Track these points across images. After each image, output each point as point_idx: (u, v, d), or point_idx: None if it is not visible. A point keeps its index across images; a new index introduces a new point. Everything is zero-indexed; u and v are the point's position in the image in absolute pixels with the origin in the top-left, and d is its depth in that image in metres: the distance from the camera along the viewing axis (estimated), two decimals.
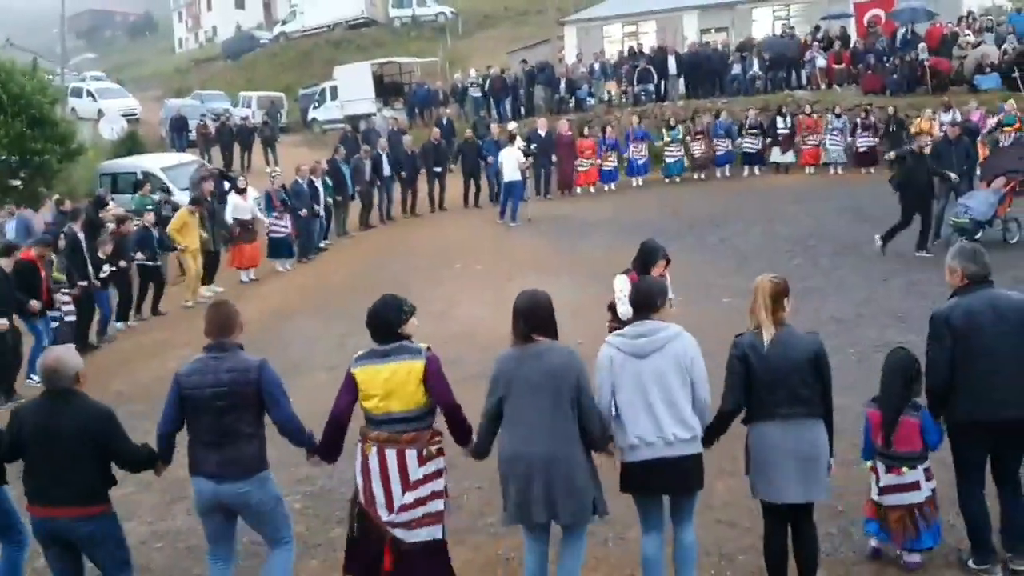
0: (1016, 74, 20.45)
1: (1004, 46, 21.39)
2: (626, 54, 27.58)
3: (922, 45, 22.34)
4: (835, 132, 20.18)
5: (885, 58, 22.88)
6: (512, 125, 21.10)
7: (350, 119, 28.50)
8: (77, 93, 35.57)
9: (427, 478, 4.63)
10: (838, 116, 20.22)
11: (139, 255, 13.05)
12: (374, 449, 4.61)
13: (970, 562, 5.02)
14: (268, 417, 4.82)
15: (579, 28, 32.67)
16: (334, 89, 32.33)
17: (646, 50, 27.46)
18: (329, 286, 14.06)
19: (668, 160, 20.90)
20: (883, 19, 24.92)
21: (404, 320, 4.70)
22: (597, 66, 26.81)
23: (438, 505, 4.67)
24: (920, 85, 21.80)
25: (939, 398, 4.92)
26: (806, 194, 18.00)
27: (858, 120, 20.05)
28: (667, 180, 20.85)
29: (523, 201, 17.84)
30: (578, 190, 20.60)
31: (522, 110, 26.90)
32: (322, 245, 16.68)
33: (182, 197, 16.58)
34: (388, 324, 4.68)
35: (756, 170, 20.87)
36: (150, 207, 14.68)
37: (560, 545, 4.66)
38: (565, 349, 4.56)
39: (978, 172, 13.98)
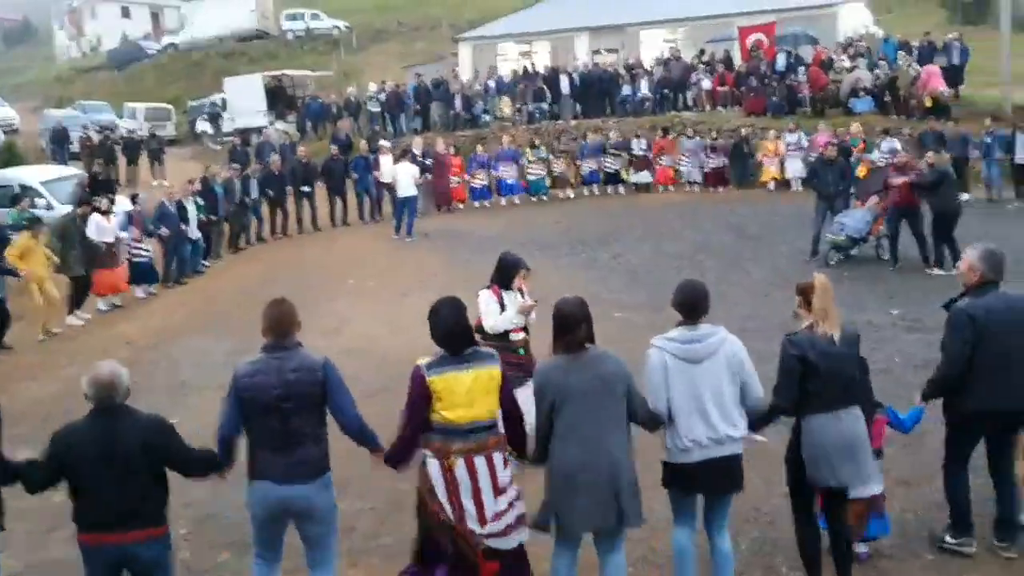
0: (888, 98, 21.58)
1: (876, 71, 22.54)
2: (520, 73, 27.90)
3: (802, 68, 23.35)
4: (688, 153, 21.14)
5: (767, 81, 23.79)
6: (385, 143, 20.97)
7: (241, 132, 27.92)
8: None
9: (512, 480, 4.56)
10: (691, 138, 21.19)
11: None
12: (460, 461, 4.44)
13: (947, 537, 5.37)
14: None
15: (474, 46, 32.93)
16: (224, 101, 31.65)
17: (540, 69, 27.84)
18: (217, 304, 13.67)
19: (530, 178, 21.19)
20: (765, 43, 25.93)
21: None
22: (492, 84, 27.01)
23: (522, 508, 4.58)
24: (800, 107, 22.76)
25: (948, 388, 5.26)
26: (691, 212, 18.55)
27: (708, 142, 21.07)
28: (533, 199, 21.12)
29: (418, 216, 17.84)
30: (460, 206, 20.56)
31: (418, 126, 26.91)
32: (201, 268, 15.89)
33: (63, 212, 15.91)
34: (466, 331, 4.55)
35: (620, 189, 21.54)
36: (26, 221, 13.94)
37: (603, 549, 4.65)
38: (614, 356, 4.59)
39: (853, 191, 14.63)
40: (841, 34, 27.34)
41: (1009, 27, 22.31)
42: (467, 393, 4.41)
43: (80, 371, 4.74)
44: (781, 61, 24.56)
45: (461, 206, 20.68)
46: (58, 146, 27.62)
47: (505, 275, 6.75)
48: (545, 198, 21.17)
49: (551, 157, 21.41)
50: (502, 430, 4.61)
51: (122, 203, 16.16)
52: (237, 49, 44.65)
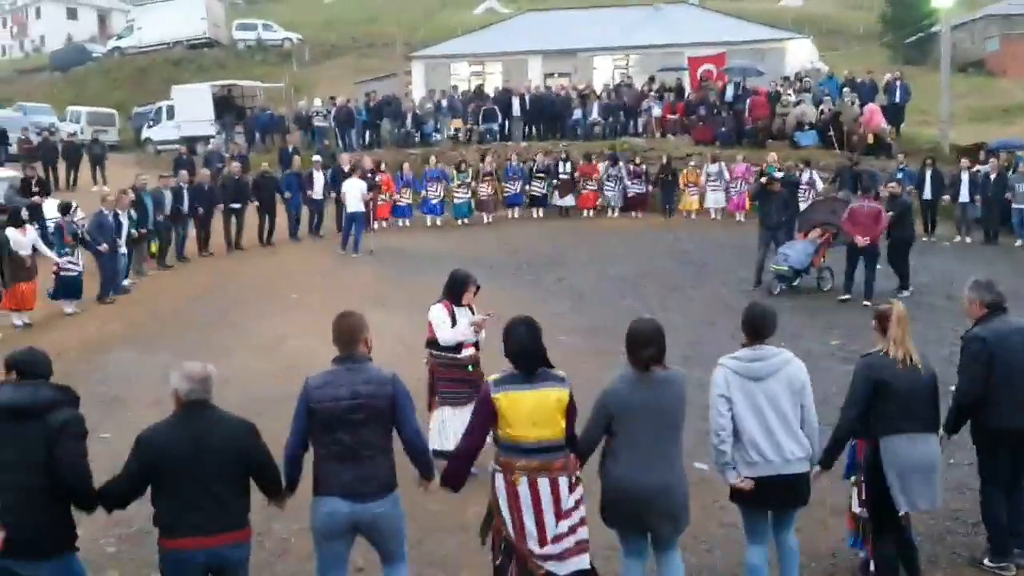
0: (831, 132, 22.09)
1: (821, 106, 23.06)
2: (472, 92, 27.95)
3: (749, 101, 23.80)
4: (612, 179, 21.51)
5: (715, 111, 24.18)
6: (316, 158, 20.80)
7: (187, 140, 27.51)
8: None
9: (577, 504, 4.50)
10: (614, 164, 21.52)
11: None
12: (524, 479, 4.41)
13: (986, 560, 5.53)
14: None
15: (427, 64, 32.97)
16: (171, 109, 31.18)
17: (490, 90, 27.92)
18: (153, 319, 13.28)
19: (456, 201, 21.14)
20: (715, 74, 26.39)
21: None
22: (444, 103, 27.03)
23: (585, 533, 4.52)
24: (747, 138, 23.18)
25: (968, 411, 5.52)
26: (635, 237, 18.76)
27: (631, 167, 21.47)
28: (459, 222, 21.03)
29: (365, 233, 17.72)
30: (384, 224, 20.22)
31: (366, 141, 26.80)
32: (125, 283, 14.85)
33: None
34: (539, 351, 4.50)
35: (541, 212, 21.76)
36: None
37: (659, 549, 4.73)
38: (681, 378, 4.65)
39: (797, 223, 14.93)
40: (788, 69, 27.97)
41: (948, 68, 23.02)
42: (530, 413, 4.40)
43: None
44: (730, 92, 25.01)
45: (385, 224, 20.29)
46: None
47: (456, 290, 6.83)
48: (466, 222, 21.08)
49: (474, 182, 21.29)
50: (570, 451, 4.58)
51: (50, 209, 15.63)
52: (186, 56, 44.08)
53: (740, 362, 4.83)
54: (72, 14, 61.40)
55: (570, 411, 4.52)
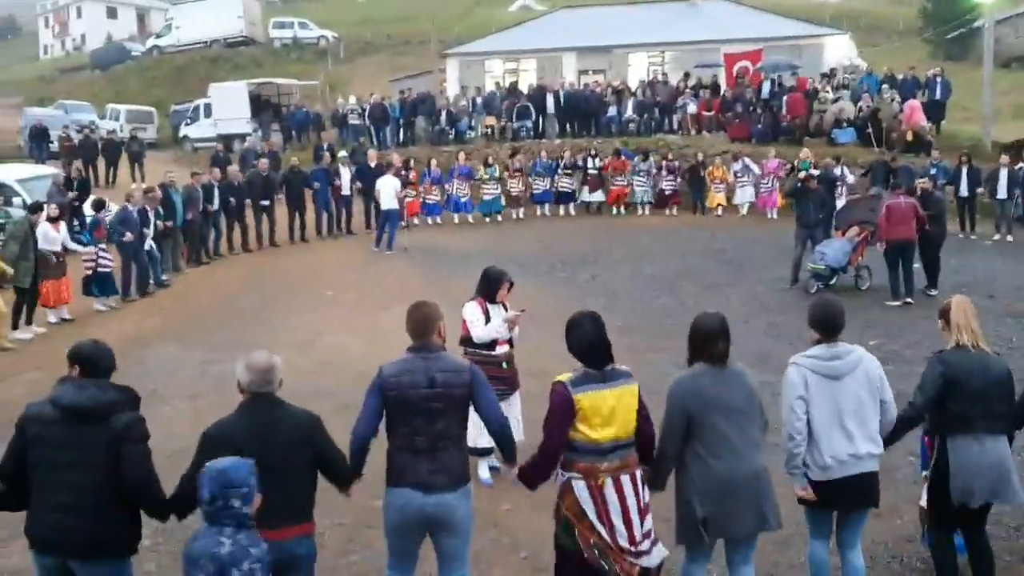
0: (870, 130, 21.80)
1: (860, 103, 22.75)
2: (506, 90, 27.93)
3: (786, 98, 23.56)
4: (642, 174, 21.34)
5: (752, 108, 23.96)
6: (342, 153, 20.89)
7: (223, 138, 27.77)
8: None
9: (650, 497, 4.50)
10: (645, 159, 21.35)
11: None
12: (609, 480, 4.31)
13: None
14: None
15: (461, 61, 32.97)
16: (208, 107, 31.49)
17: (524, 87, 27.88)
18: (191, 314, 13.46)
19: (485, 198, 21.10)
20: (751, 71, 26.15)
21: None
22: (479, 100, 27.03)
23: (651, 522, 4.48)
24: (784, 135, 22.95)
25: None
26: (671, 235, 18.62)
27: (664, 164, 21.26)
28: (487, 219, 21.04)
29: (399, 229, 17.78)
30: (414, 220, 20.10)
31: (400, 139, 26.89)
32: (164, 282, 15.12)
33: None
34: (607, 346, 4.42)
35: (571, 209, 21.66)
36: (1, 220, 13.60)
37: (735, 559, 4.67)
38: (750, 372, 4.63)
39: (834, 221, 14.76)
40: (826, 65, 27.63)
41: (991, 64, 22.62)
42: (611, 412, 4.31)
43: (47, 376, 4.59)
44: (766, 89, 24.77)
45: (415, 221, 20.23)
46: (37, 144, 27.44)
47: (490, 287, 6.81)
48: (499, 218, 21.08)
49: (506, 176, 21.32)
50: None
51: (88, 207, 15.79)
52: (223, 55, 44.50)
53: (819, 361, 4.71)
54: (112, 13, 62.30)
55: (642, 405, 4.46)
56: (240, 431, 4.05)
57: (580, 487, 4.32)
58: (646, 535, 4.37)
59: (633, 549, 4.32)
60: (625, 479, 4.35)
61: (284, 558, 4.02)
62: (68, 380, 4.23)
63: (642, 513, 4.37)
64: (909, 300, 12.50)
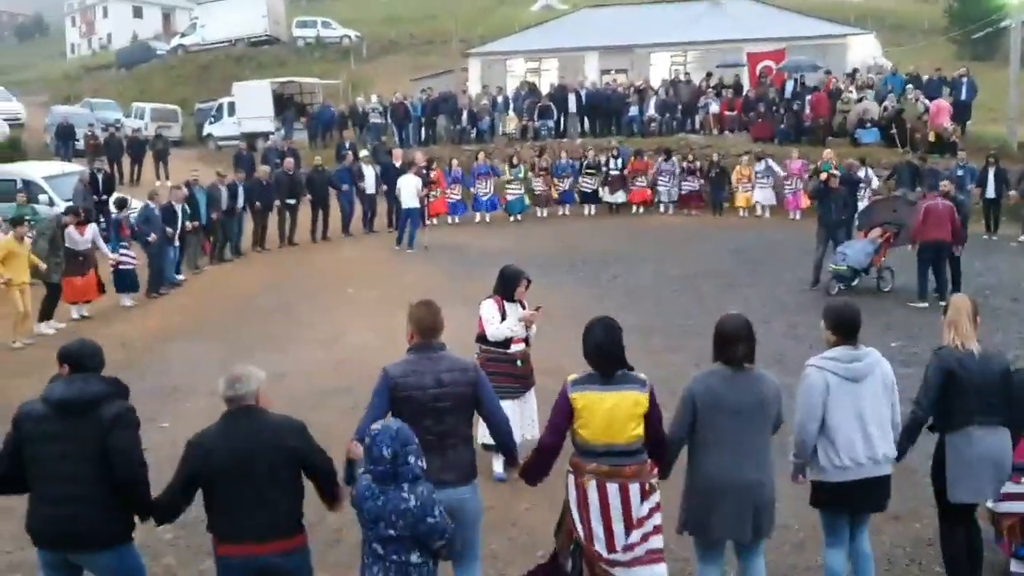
0: (894, 130, 21.62)
1: (884, 103, 22.56)
2: (528, 89, 27.93)
3: (809, 98, 23.40)
4: (664, 175, 21.27)
5: (775, 108, 23.83)
6: (363, 152, 20.94)
7: (247, 136, 27.95)
8: None
9: (650, 513, 4.41)
10: (667, 160, 21.26)
11: None
12: (593, 483, 4.37)
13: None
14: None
15: (483, 61, 33.04)
16: (232, 105, 31.71)
17: (546, 87, 27.84)
18: (213, 312, 13.56)
19: (509, 197, 21.08)
20: (774, 70, 26.01)
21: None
22: (500, 99, 27.07)
23: (659, 542, 4.43)
24: (806, 135, 22.81)
25: None
26: (692, 235, 18.57)
27: (685, 164, 21.22)
28: (511, 218, 21.02)
29: (420, 228, 17.84)
30: (434, 220, 20.01)
31: (422, 137, 26.96)
32: (175, 280, 15.12)
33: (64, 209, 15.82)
34: (618, 352, 4.42)
35: (593, 209, 21.62)
36: (28, 217, 13.81)
37: (743, 555, 4.69)
38: (771, 376, 4.61)
39: (856, 222, 14.66)
40: (850, 65, 27.43)
41: (1019, 64, 22.37)
42: (605, 415, 4.33)
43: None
44: (789, 88, 24.63)
45: (435, 221, 20.14)
46: (63, 142, 27.75)
47: (507, 286, 6.83)
48: (519, 218, 21.06)
49: (531, 176, 21.31)
50: (645, 458, 4.48)
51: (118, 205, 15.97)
52: (247, 54, 44.83)
53: (840, 363, 4.70)
54: (138, 12, 62.91)
55: (652, 414, 4.43)
56: (219, 441, 4.10)
57: (570, 481, 4.47)
58: (628, 548, 4.34)
59: (606, 556, 4.33)
60: (612, 487, 4.36)
61: (267, 572, 4.07)
62: (58, 378, 4.37)
63: (630, 527, 4.35)
64: (943, 302, 12.38)
